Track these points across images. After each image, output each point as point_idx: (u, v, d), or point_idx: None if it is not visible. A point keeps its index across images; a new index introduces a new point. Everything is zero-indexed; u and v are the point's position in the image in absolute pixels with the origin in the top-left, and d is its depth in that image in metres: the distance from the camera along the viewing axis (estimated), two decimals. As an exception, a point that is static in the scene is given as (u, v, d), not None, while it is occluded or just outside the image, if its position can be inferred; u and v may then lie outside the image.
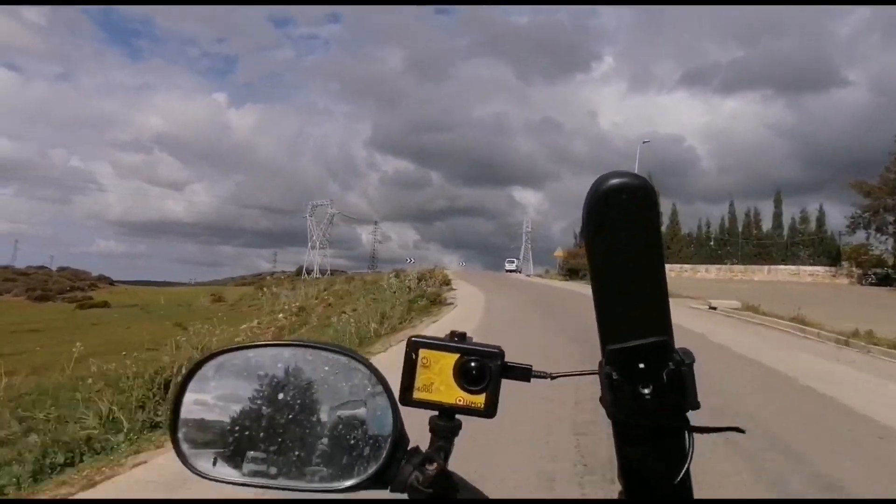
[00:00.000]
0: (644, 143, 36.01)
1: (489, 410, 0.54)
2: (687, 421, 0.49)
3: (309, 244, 66.35)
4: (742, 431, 0.53)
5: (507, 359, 0.55)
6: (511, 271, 56.86)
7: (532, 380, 0.56)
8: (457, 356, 0.54)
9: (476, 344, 0.55)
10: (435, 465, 0.52)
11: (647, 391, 0.48)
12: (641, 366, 0.48)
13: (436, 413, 0.55)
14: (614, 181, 0.46)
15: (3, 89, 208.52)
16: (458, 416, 0.56)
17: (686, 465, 0.50)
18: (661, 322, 0.49)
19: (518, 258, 65.16)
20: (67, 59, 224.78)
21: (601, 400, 0.50)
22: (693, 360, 0.49)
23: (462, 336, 0.56)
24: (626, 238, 0.47)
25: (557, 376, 0.56)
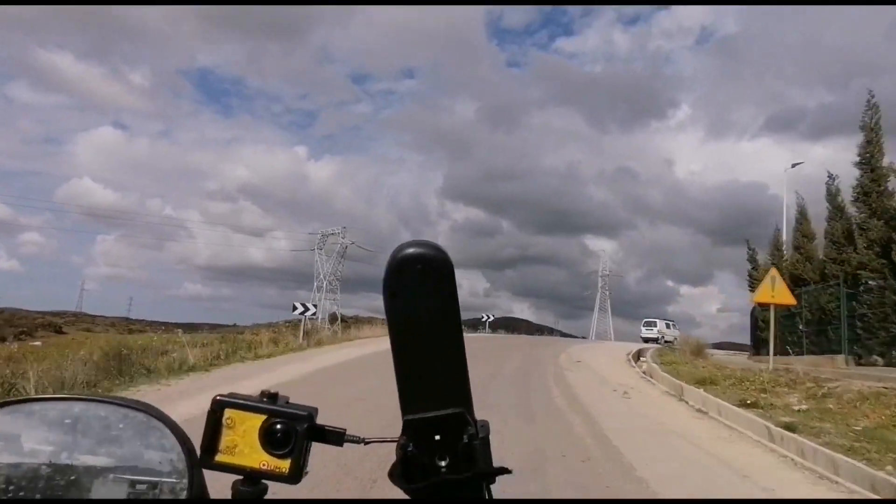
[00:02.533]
0: (795, 165, 25.70)
1: (294, 476, 0.52)
2: (484, 491, 0.50)
3: (315, 283, 52.10)
4: (509, 471, 0.52)
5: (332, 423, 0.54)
6: (649, 340, 37.63)
7: (345, 444, 0.54)
8: (263, 417, 0.52)
9: (285, 405, 0.54)
10: None
11: (443, 463, 0.48)
12: (438, 438, 0.48)
13: (240, 477, 0.53)
14: (409, 250, 0.47)
15: (112, 145, 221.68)
16: (263, 481, 0.53)
17: None
18: (460, 393, 0.49)
19: (662, 320, 42.71)
20: (167, 118, 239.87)
21: (389, 473, 0.49)
22: (488, 432, 0.49)
23: (273, 396, 0.54)
24: (421, 307, 0.47)
25: (371, 441, 0.55)
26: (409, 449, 0.48)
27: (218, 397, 0.54)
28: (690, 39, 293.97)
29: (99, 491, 0.53)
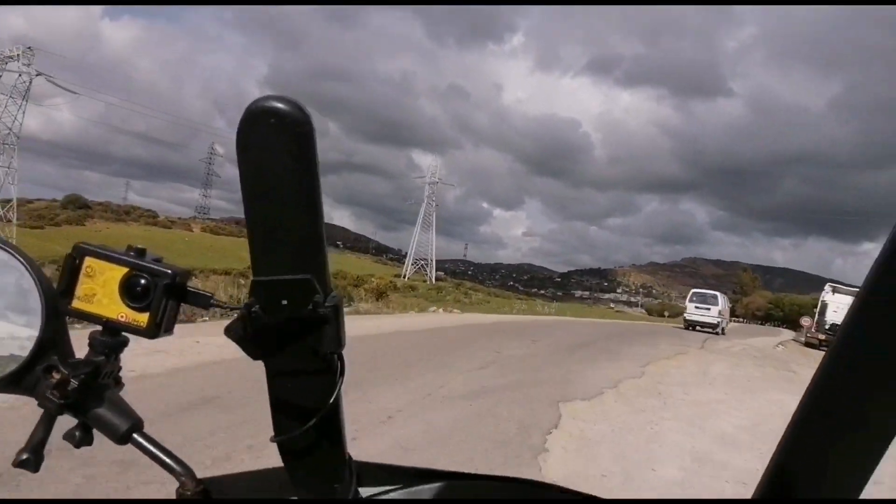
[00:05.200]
0: None
1: (151, 330, 0.51)
2: (334, 358, 0.50)
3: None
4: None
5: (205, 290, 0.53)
6: (702, 326, 26.72)
7: (210, 309, 0.55)
8: (125, 270, 0.51)
9: (151, 262, 0.52)
10: (60, 375, 0.50)
11: (289, 328, 0.48)
12: (284, 302, 0.47)
13: (98, 329, 0.52)
14: (264, 103, 0.44)
15: None
16: (124, 334, 0.53)
17: (333, 395, 0.51)
18: (313, 260, 0.47)
19: (716, 302, 27.79)
20: None
21: (225, 330, 0.48)
22: (338, 303, 0.48)
23: (141, 252, 0.52)
24: (274, 164, 0.45)
25: (235, 308, 0.49)
26: (254, 310, 0.47)
27: (79, 244, 0.52)
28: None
29: None
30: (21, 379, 0.51)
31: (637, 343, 16.47)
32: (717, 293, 30.26)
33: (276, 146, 0.44)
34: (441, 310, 25.92)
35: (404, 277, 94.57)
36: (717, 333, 26.78)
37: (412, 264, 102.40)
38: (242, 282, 18.26)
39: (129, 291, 0.51)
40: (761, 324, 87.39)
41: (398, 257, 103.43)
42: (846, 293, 32.57)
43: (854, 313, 0.45)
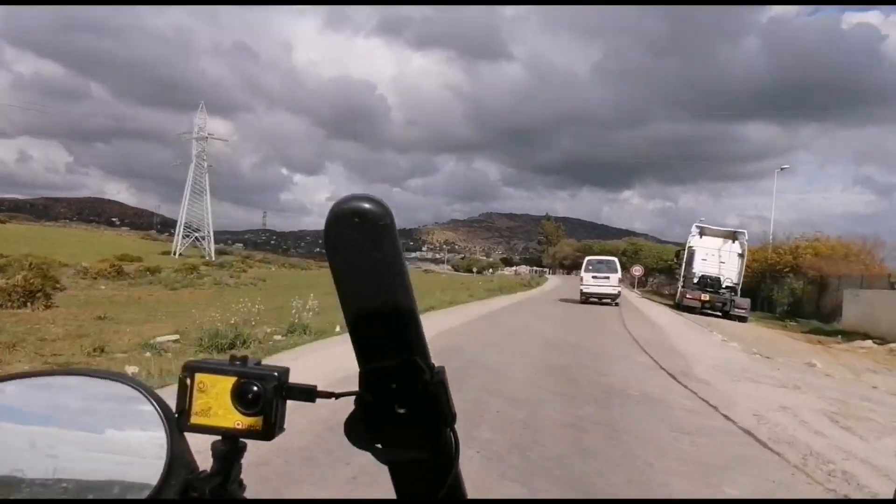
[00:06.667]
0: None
1: (267, 433, 0.54)
2: (448, 433, 0.51)
3: None
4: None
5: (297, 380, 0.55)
6: (601, 297, 23.08)
7: (317, 400, 0.56)
8: (234, 379, 0.54)
9: (255, 367, 0.55)
10: (196, 493, 0.53)
11: (402, 411, 0.49)
12: (394, 386, 0.49)
13: (218, 438, 0.55)
14: (344, 206, 0.47)
15: None
16: (242, 440, 0.55)
17: (452, 471, 0.52)
18: (411, 341, 0.49)
19: (614, 268, 23.60)
20: None
21: (345, 426, 0.50)
22: (442, 376, 0.50)
23: (244, 359, 0.56)
24: (365, 260, 0.48)
25: (342, 395, 0.55)
26: (365, 399, 0.49)
27: (188, 363, 0.55)
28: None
29: (87, 457, 0.55)
30: (157, 500, 0.52)
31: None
32: (613, 258, 25.51)
33: (363, 243, 0.47)
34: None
35: (176, 254, 77.15)
36: (616, 304, 22.67)
37: (184, 237, 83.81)
38: None
39: (241, 399, 0.53)
40: (567, 273, 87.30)
41: (188, 233, 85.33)
42: (716, 234, 26.38)
43: None
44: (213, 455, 0.55)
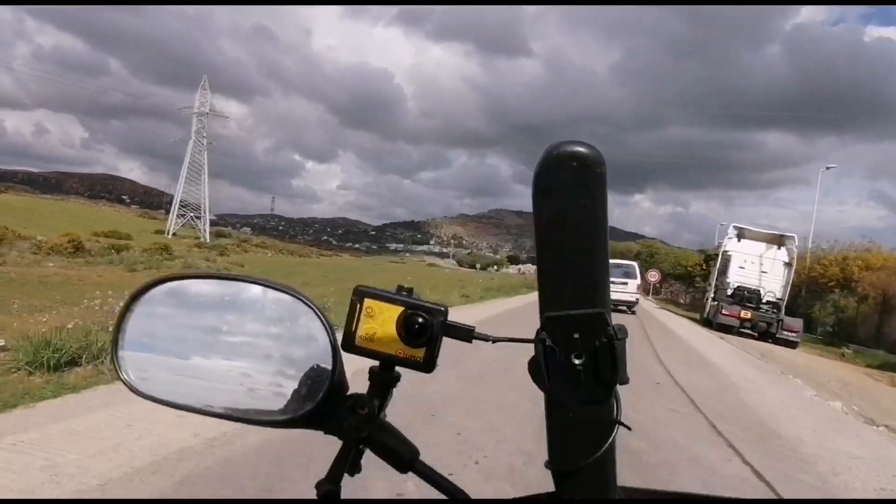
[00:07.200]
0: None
1: (428, 365, 0.55)
2: (614, 394, 0.50)
3: None
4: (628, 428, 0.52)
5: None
6: (618, 304, 20.28)
7: (473, 341, 0.57)
8: (402, 309, 0.55)
9: (422, 300, 0.57)
10: (366, 409, 0.56)
11: (578, 362, 0.48)
12: (576, 336, 0.48)
13: (376, 364, 0.57)
14: (566, 148, 0.47)
15: None
16: (397, 369, 0.57)
17: (612, 436, 0.51)
18: (601, 294, 0.49)
19: (634, 273, 22.09)
20: None
21: (529, 365, 0.50)
22: (626, 336, 0.50)
23: (409, 291, 0.57)
24: (572, 205, 0.47)
25: (499, 340, 0.57)
26: (548, 343, 0.48)
27: (359, 287, 0.57)
28: None
29: (256, 364, 0.58)
30: (317, 415, 0.55)
31: None
32: (633, 262, 23.97)
33: (576, 188, 0.46)
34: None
35: (169, 234, 74.30)
36: (633, 313, 20.68)
37: (179, 216, 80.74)
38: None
39: (407, 329, 0.55)
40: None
41: (183, 213, 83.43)
42: (758, 238, 22.31)
43: None
44: (371, 380, 0.57)
